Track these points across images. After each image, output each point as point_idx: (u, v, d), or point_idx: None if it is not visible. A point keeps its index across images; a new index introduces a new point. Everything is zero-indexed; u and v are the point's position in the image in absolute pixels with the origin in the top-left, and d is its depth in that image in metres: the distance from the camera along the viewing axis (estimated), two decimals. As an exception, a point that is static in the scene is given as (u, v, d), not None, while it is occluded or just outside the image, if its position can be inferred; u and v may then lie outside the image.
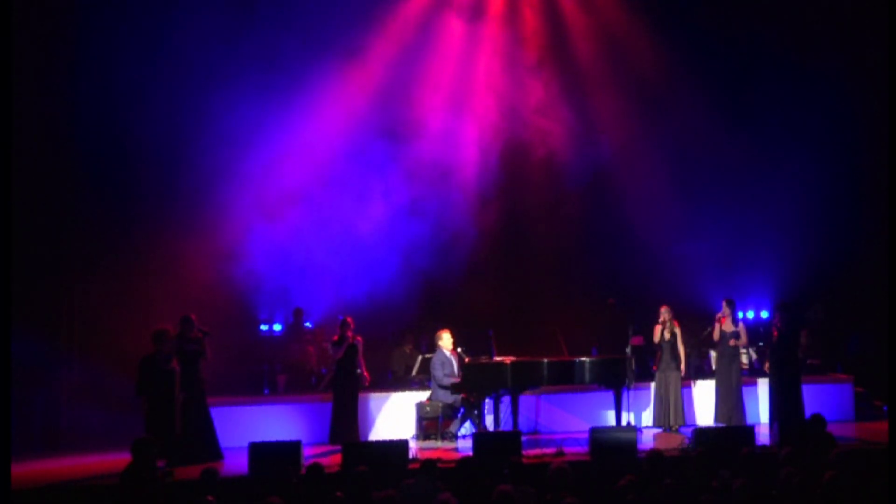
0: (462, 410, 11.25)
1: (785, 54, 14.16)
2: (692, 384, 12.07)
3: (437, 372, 11.19)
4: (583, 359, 11.27)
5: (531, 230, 14.28)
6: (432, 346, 11.73)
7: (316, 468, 7.50)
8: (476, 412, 11.22)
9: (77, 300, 12.39)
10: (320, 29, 13.02)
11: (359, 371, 11.12)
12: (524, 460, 8.92)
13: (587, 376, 11.14)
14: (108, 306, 12.10)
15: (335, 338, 11.18)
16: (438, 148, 13.54)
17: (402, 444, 9.49)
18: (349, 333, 11.07)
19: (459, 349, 11.45)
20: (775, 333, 11.16)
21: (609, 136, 14.16)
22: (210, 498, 6.56)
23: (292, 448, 9.30)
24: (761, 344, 13.46)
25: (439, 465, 7.98)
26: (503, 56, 14.08)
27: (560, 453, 9.74)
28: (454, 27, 13.94)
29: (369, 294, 13.01)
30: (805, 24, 14.04)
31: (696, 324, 12.44)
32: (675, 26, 14.12)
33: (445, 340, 11.33)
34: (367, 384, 11.22)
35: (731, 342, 11.57)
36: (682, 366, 11.56)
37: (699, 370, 12.95)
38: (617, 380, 11.09)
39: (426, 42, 13.87)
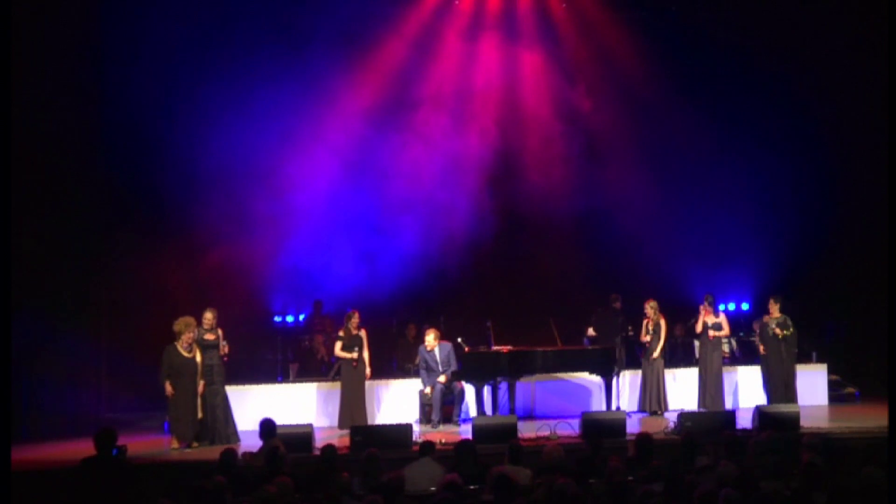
0: (463, 395, 11.62)
1: (750, 47, 14.20)
2: (675, 372, 12.53)
3: (423, 375, 11.56)
4: (575, 348, 11.76)
5: (530, 229, 14.47)
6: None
7: (329, 449, 7.84)
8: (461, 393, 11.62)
9: (105, 295, 12.83)
10: (330, 25, 13.09)
11: (362, 358, 11.32)
12: (521, 443, 9.41)
13: (579, 365, 11.70)
14: (134, 301, 12.61)
15: (341, 332, 11.45)
16: (442, 142, 13.68)
17: (407, 428, 9.88)
18: (352, 325, 11.34)
19: (459, 339, 11.69)
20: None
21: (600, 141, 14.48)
22: (220, 478, 6.57)
23: (304, 431, 9.69)
24: (741, 334, 13.99)
25: (439, 447, 8.29)
26: (504, 58, 14.32)
27: (554, 436, 10.01)
28: (454, 42, 14.22)
29: (374, 285, 13.21)
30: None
31: (682, 316, 13.02)
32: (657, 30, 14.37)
33: (429, 340, 11.56)
34: (369, 377, 11.46)
35: (711, 334, 12.07)
36: (659, 348, 11.93)
37: (684, 359, 13.43)
38: (606, 368, 11.53)
39: (430, 44, 14.14)
